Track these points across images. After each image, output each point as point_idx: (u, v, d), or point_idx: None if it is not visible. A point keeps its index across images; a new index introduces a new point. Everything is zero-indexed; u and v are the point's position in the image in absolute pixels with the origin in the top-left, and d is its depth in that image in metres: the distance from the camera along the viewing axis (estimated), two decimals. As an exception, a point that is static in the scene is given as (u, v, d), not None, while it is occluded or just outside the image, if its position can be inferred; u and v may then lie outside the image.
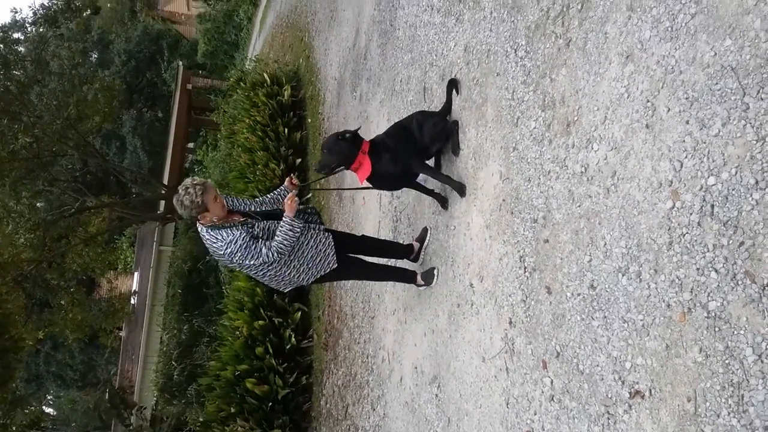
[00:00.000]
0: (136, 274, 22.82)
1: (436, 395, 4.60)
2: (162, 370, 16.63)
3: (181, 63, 24.81)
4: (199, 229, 4.22)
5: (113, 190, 24.04)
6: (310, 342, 8.63)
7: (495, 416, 3.75)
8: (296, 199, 4.23)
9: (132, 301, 21.93)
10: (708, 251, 2.38)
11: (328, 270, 4.54)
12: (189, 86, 21.86)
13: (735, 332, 2.23)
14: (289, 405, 7.95)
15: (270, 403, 7.75)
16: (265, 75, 11.55)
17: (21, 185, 14.92)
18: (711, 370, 2.30)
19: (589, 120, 3.17)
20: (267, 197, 4.62)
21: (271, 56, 15.74)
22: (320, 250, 4.45)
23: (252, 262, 4.16)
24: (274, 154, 10.10)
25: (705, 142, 2.45)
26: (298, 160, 10.12)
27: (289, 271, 4.40)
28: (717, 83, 2.43)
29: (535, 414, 3.35)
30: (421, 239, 5.10)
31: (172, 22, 34.59)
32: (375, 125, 6.78)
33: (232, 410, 7.87)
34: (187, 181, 4.07)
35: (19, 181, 14.70)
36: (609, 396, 2.80)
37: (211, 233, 4.11)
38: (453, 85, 4.77)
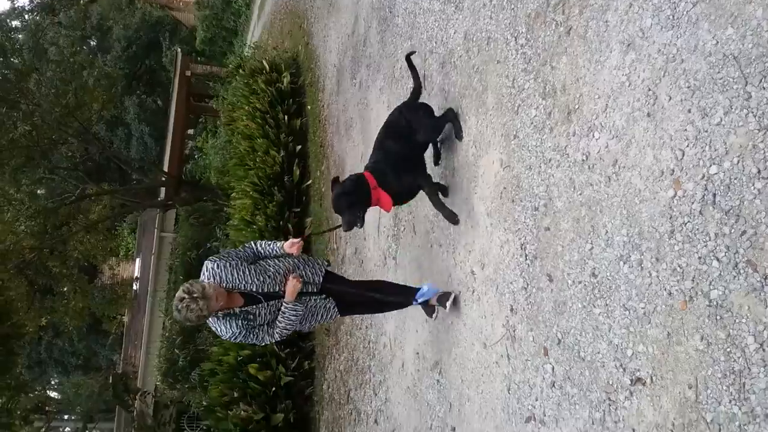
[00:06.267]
0: (137, 260, 22.86)
1: (438, 381, 4.64)
2: (165, 356, 16.71)
3: (179, 49, 24.66)
4: None
5: (114, 177, 24.00)
6: (313, 330, 8.68)
7: (496, 402, 3.78)
8: (299, 284, 4.08)
9: (134, 287, 22.00)
10: (710, 240, 2.39)
11: (331, 320, 4.58)
12: (188, 73, 21.72)
13: (737, 321, 2.24)
14: (291, 389, 8.02)
15: (273, 388, 7.81)
16: (264, 62, 11.49)
17: (21, 173, 14.91)
18: (712, 358, 2.32)
19: (590, 108, 3.17)
20: (269, 247, 4.30)
21: (269, 43, 15.66)
22: (321, 311, 4.34)
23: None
24: (273, 141, 10.09)
25: (707, 131, 2.46)
26: (299, 147, 10.11)
27: None
28: (719, 72, 2.43)
29: (537, 400, 3.38)
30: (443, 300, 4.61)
31: (170, 9, 34.31)
32: (375, 113, 6.77)
33: (235, 395, 7.95)
34: (185, 296, 3.76)
35: (19, 169, 14.69)
36: (610, 383, 2.83)
37: (212, 320, 4.01)
38: (410, 59, 4.73)
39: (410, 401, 5.10)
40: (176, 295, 3.85)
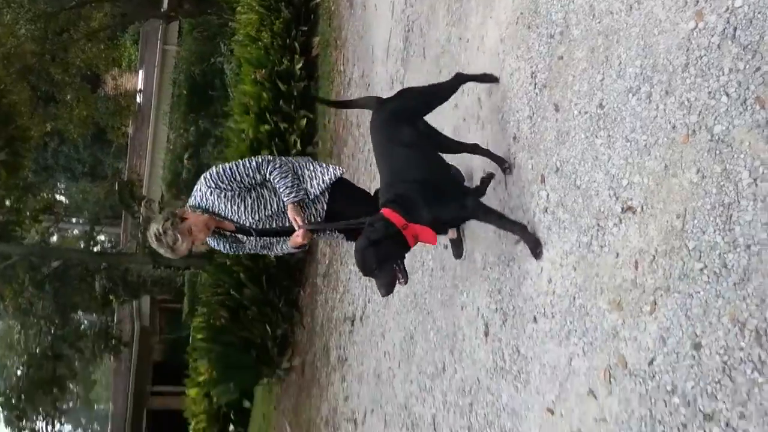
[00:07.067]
0: (140, 72, 22.56)
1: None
2: (170, 167, 17.05)
3: None
4: None
5: (113, -17, 22.99)
6: (315, 150, 8.79)
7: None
8: (305, 241, 3.81)
9: (138, 100, 21.92)
10: (723, 75, 2.36)
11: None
12: None
13: (735, 156, 2.28)
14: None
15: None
16: None
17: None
18: (705, 190, 2.39)
19: (622, -72, 2.98)
20: (279, 189, 3.81)
21: None
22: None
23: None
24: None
25: (739, -41, 2.34)
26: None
27: None
28: None
29: (528, 223, 3.51)
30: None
31: None
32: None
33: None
34: (154, 240, 3.70)
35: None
36: (601, 210, 2.94)
37: None
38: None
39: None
40: (152, 225, 3.77)
